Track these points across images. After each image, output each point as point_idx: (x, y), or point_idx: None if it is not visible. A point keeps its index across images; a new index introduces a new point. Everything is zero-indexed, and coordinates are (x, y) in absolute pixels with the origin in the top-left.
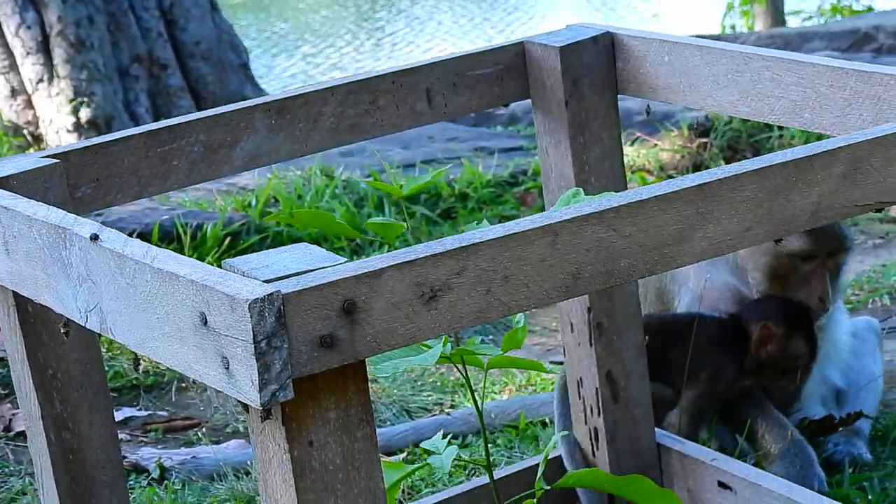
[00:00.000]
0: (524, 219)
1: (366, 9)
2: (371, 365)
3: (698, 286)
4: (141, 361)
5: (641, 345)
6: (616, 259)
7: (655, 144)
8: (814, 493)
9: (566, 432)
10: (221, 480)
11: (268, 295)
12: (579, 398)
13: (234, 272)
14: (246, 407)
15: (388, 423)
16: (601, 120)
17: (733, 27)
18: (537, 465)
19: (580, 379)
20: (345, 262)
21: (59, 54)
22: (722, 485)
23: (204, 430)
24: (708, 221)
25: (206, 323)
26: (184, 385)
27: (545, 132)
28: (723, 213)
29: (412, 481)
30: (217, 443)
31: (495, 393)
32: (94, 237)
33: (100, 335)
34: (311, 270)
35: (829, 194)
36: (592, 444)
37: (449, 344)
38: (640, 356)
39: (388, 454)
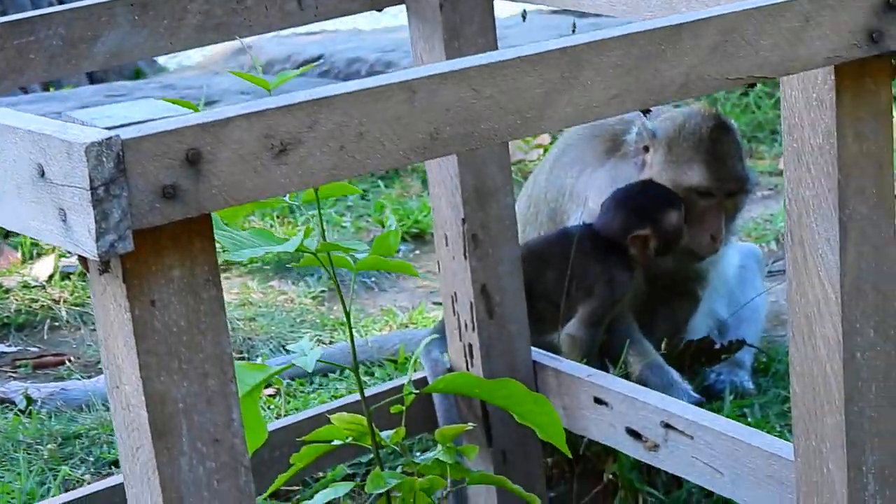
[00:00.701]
0: (381, 75)
1: None
2: (228, 252)
3: (598, 206)
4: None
5: (517, 259)
6: (476, 121)
7: None
8: (686, 404)
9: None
10: (90, 411)
11: (105, 140)
12: (453, 314)
13: (73, 122)
14: (86, 263)
15: (268, 356)
16: (476, 24)
17: None
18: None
19: (454, 294)
20: (191, 113)
21: None
22: (598, 400)
23: (75, 365)
24: (573, 87)
25: (43, 175)
26: (56, 324)
27: (419, 37)
28: (589, 79)
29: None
30: (89, 378)
31: (376, 330)
32: None
33: None
34: (155, 119)
35: (700, 65)
36: (467, 361)
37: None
38: (515, 271)
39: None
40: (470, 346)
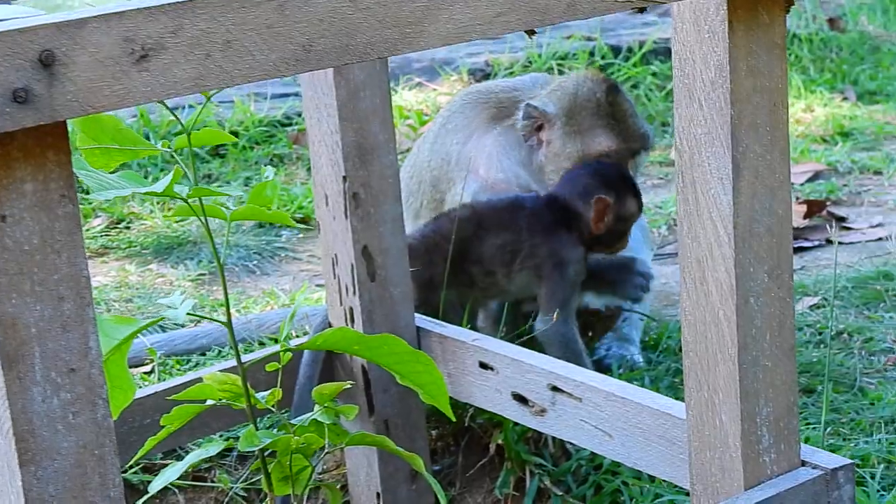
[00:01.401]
0: None
1: None
2: (92, 191)
3: (489, 174)
4: None
5: (400, 219)
6: (352, 33)
7: (435, 89)
8: (574, 366)
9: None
10: None
11: None
12: (334, 276)
13: None
14: None
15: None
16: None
17: None
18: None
19: (335, 256)
20: (45, 14)
21: None
22: (483, 365)
23: None
24: (455, 2)
25: None
26: None
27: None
28: None
29: None
30: None
31: (257, 311)
32: None
33: None
34: (7, 20)
35: None
36: (347, 325)
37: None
38: (398, 231)
39: (138, 366)
40: (351, 309)
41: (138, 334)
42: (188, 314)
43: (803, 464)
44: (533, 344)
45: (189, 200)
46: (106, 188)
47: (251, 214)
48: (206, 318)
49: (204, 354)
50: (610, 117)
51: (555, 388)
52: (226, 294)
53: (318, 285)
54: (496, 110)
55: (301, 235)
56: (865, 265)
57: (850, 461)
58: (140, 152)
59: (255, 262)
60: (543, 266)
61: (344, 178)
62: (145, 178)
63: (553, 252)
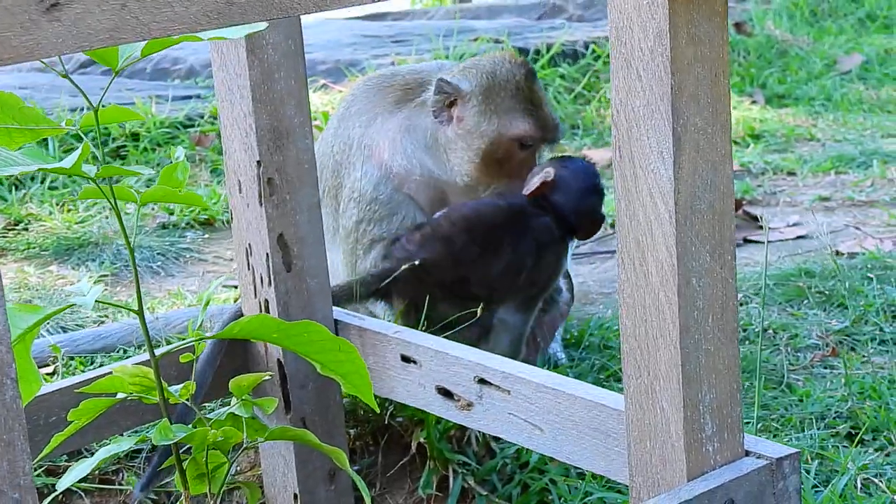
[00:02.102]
0: None
1: None
2: None
3: (392, 160)
4: None
5: (317, 207)
6: None
7: (340, 91)
8: (502, 357)
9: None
10: None
11: None
12: (248, 268)
13: None
14: None
15: (40, 336)
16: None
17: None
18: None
19: (249, 245)
20: None
21: None
22: (405, 358)
23: None
24: None
25: None
26: None
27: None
28: None
29: None
30: None
31: (163, 311)
32: None
33: None
34: None
35: None
36: None
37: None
38: (315, 220)
39: (40, 367)
40: (266, 301)
41: (41, 328)
42: (97, 301)
43: (747, 453)
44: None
45: (98, 181)
46: (9, 165)
47: (163, 196)
48: (116, 305)
49: (108, 355)
50: (529, 102)
51: (482, 381)
52: (137, 281)
53: (225, 286)
54: (401, 93)
55: (206, 236)
56: (786, 263)
57: (795, 450)
58: (43, 132)
59: (159, 262)
60: (542, 272)
61: (258, 163)
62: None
63: (552, 255)
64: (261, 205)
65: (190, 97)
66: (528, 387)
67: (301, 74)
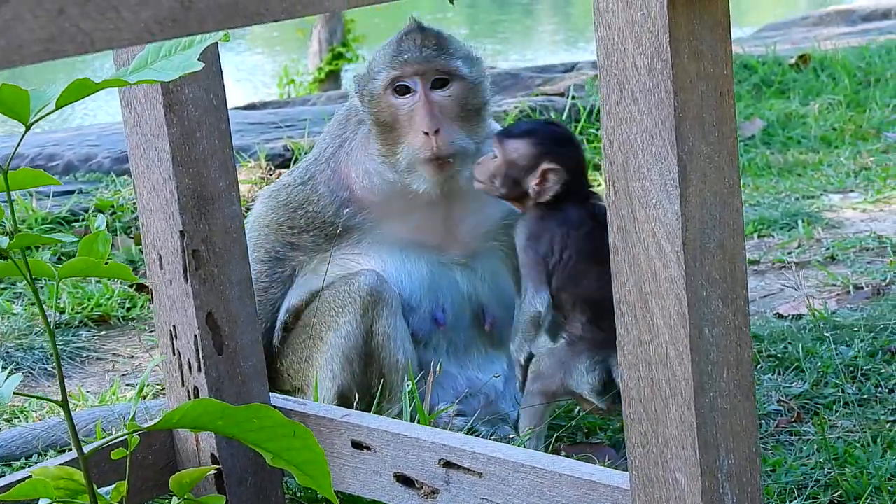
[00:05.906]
0: None
1: None
2: None
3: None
4: None
5: (248, 280)
6: None
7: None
8: (470, 437)
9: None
10: None
11: None
12: (174, 353)
13: None
14: None
15: None
16: None
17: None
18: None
19: (173, 328)
20: None
21: None
22: (357, 444)
23: None
24: None
25: None
26: None
27: None
28: None
29: None
30: None
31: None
32: None
33: None
34: None
35: None
36: None
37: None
38: (247, 295)
39: None
40: (196, 389)
41: None
42: (15, 393)
43: None
44: None
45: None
46: None
47: (84, 269)
48: (38, 397)
49: (10, 465)
50: (394, 46)
51: (448, 464)
52: (60, 370)
53: (128, 384)
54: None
55: (103, 334)
56: None
57: None
58: None
59: (53, 364)
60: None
61: (181, 233)
62: None
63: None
64: (186, 280)
65: (72, 192)
66: (503, 467)
67: (225, 132)
